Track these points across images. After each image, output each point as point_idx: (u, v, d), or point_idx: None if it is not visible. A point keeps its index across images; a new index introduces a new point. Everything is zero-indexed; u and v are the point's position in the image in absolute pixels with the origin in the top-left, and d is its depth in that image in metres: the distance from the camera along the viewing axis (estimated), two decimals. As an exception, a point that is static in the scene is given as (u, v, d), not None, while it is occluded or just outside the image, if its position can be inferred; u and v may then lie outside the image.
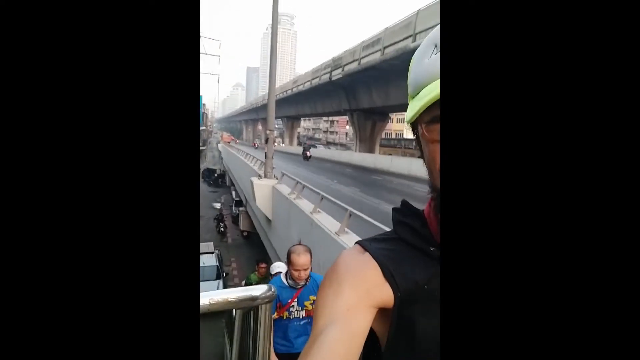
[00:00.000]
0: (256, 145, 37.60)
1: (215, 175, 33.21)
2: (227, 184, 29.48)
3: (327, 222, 5.11)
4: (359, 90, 21.58)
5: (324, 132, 65.68)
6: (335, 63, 22.31)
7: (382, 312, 0.43)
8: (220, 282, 10.13)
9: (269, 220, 9.15)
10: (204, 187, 29.41)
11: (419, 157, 0.45)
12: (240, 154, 19.85)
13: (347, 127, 46.51)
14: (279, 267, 2.96)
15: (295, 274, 2.15)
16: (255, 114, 61.08)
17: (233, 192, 22.17)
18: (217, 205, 20.46)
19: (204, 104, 35.06)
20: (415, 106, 0.41)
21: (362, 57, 18.54)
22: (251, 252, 14.38)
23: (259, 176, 9.56)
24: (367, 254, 0.45)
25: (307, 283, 2.21)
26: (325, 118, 59.19)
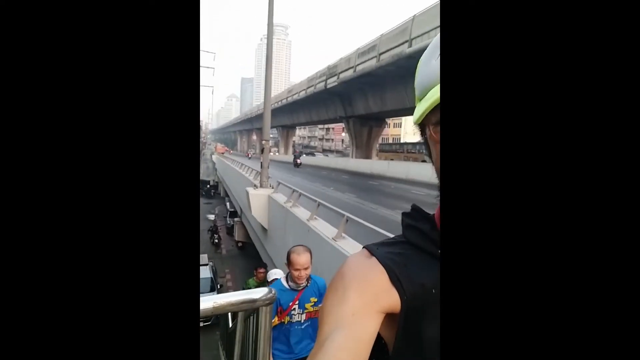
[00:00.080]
0: (249, 156, 38.03)
1: (208, 186, 33.30)
2: (222, 195, 29.47)
3: (324, 228, 5.10)
4: (355, 97, 21.78)
5: (320, 139, 65.93)
6: (331, 71, 22.53)
7: (389, 317, 0.42)
8: (215, 294, 10.04)
9: (264, 230, 9.11)
10: (198, 198, 29.27)
11: (422, 161, 0.45)
12: (234, 164, 19.85)
13: (343, 134, 46.74)
14: (275, 274, 2.94)
15: (296, 273, 2.10)
16: (249, 124, 61.26)
17: (227, 203, 22.17)
18: (211, 217, 20.41)
19: (199, 116, 35.23)
20: (421, 108, 0.41)
21: (358, 64, 18.73)
22: (246, 263, 14.26)
23: (255, 186, 9.55)
24: (373, 258, 0.45)
25: (308, 284, 2.16)
26: (320, 126, 59.49)
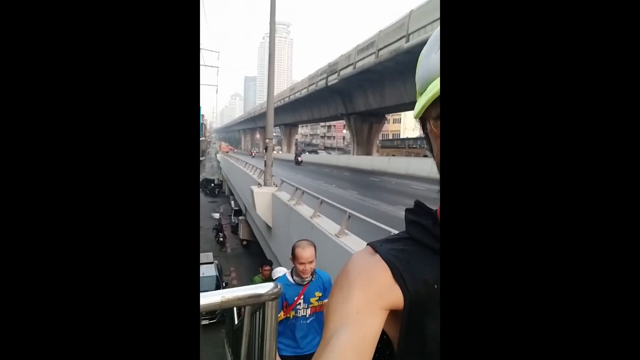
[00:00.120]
0: (253, 154, 38.23)
1: (212, 185, 33.39)
2: (226, 193, 29.58)
3: (327, 225, 5.16)
4: (355, 93, 21.78)
5: (322, 137, 65.89)
6: (331, 68, 22.55)
7: (393, 314, 0.43)
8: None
9: (269, 228, 9.19)
10: (202, 197, 29.46)
11: (424, 156, 0.48)
12: (239, 163, 19.94)
13: (344, 131, 46.69)
14: (279, 272, 2.97)
15: (301, 267, 2.10)
16: (253, 123, 61.30)
17: (232, 202, 22.27)
18: (216, 215, 20.50)
19: (203, 115, 35.42)
20: (421, 102, 0.40)
21: (357, 61, 18.77)
22: (251, 261, 14.37)
23: (259, 184, 9.63)
24: (377, 255, 0.45)
25: (313, 279, 2.16)
26: (322, 124, 59.45)
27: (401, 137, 36.57)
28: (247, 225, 15.15)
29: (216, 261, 12.26)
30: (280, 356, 2.14)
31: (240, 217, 17.10)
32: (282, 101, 35.36)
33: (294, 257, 2.13)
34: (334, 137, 62.00)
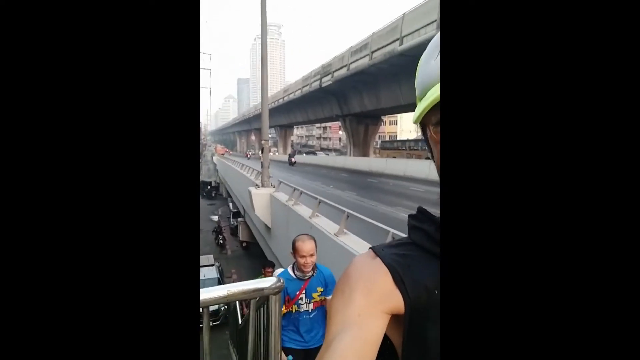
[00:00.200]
0: (248, 156, 38.43)
1: (209, 187, 33.51)
2: (224, 195, 29.62)
3: (326, 225, 5.24)
4: (350, 95, 21.86)
5: (317, 138, 65.97)
6: (325, 70, 22.62)
7: (395, 319, 0.43)
8: None
9: (268, 229, 9.26)
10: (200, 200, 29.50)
11: (426, 158, 0.51)
12: (235, 165, 19.99)
13: (340, 132, 46.78)
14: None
15: (302, 260, 2.12)
16: (247, 125, 61.22)
17: (230, 204, 22.32)
18: (215, 218, 20.54)
19: (197, 118, 35.35)
20: (420, 107, 0.41)
21: (351, 63, 18.85)
22: (251, 262, 14.43)
23: (257, 185, 9.69)
24: (378, 259, 0.45)
25: (314, 274, 2.19)
26: (317, 125, 59.53)
27: (398, 138, 36.63)
28: (247, 226, 15.19)
29: (217, 263, 12.32)
30: (288, 349, 2.19)
31: (239, 219, 17.14)
32: (276, 102, 35.39)
33: (295, 250, 2.15)
34: (329, 138, 62.10)
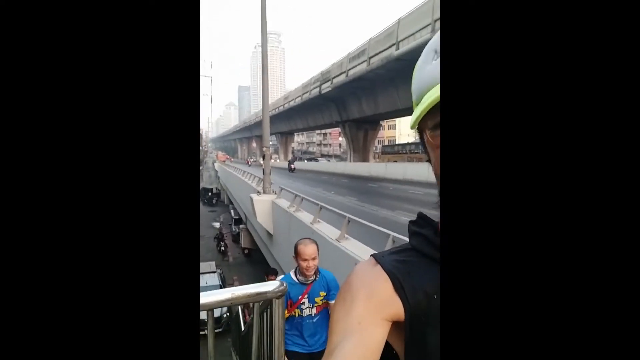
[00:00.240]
0: (249, 163, 38.61)
1: (210, 194, 33.59)
2: (225, 202, 29.67)
3: (328, 230, 5.26)
4: (349, 101, 21.97)
5: (318, 145, 66.13)
6: (324, 76, 22.76)
7: (397, 325, 0.43)
8: None
9: (270, 235, 9.28)
10: (201, 207, 29.55)
11: (427, 161, 0.46)
12: (237, 172, 20.06)
13: (340, 138, 46.85)
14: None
15: (304, 264, 2.11)
16: (248, 132, 61.43)
17: (232, 211, 22.34)
18: (217, 225, 20.54)
19: (199, 125, 35.69)
20: (416, 112, 0.41)
21: (350, 69, 18.96)
22: (253, 269, 14.41)
23: (258, 192, 9.73)
24: (378, 266, 0.45)
25: (317, 278, 2.17)
26: (318, 131, 59.71)
27: (397, 142, 36.68)
28: (248, 233, 15.19)
29: (219, 270, 12.30)
30: (292, 352, 2.19)
31: (241, 226, 17.14)
32: (276, 110, 35.55)
33: (297, 254, 2.14)
34: (330, 144, 62.27)
